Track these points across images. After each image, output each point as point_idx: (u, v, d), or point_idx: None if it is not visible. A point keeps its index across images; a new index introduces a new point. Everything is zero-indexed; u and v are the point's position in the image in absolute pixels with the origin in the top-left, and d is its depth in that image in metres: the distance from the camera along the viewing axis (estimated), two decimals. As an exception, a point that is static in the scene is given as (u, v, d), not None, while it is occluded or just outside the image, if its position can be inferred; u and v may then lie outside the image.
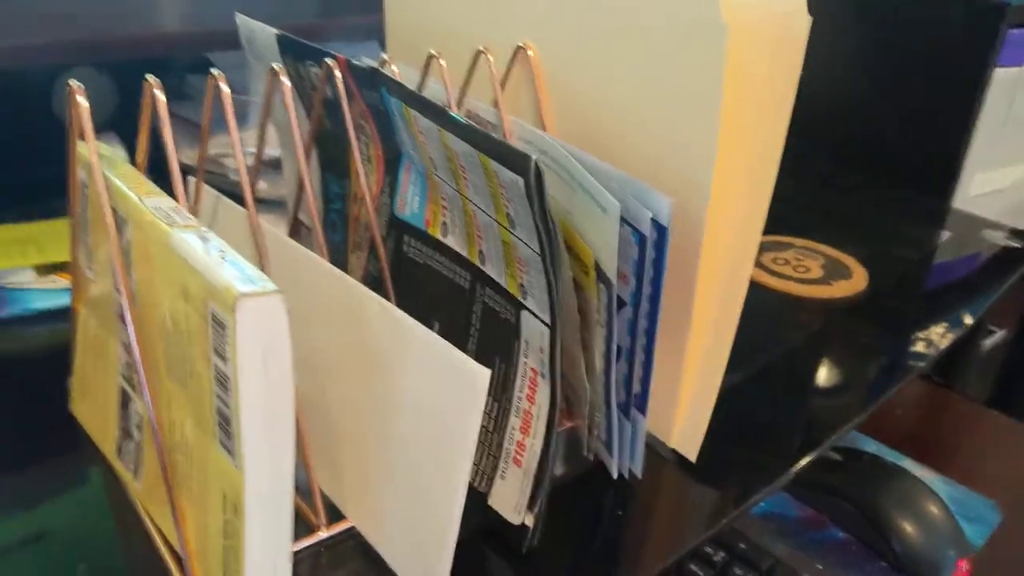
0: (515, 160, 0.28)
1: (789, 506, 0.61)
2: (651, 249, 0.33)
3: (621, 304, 0.35)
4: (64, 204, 0.59)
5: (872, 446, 0.66)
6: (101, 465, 0.38)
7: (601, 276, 0.34)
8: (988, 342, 0.97)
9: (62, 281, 0.51)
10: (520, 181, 0.28)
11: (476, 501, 0.36)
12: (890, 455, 0.64)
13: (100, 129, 0.34)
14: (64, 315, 0.49)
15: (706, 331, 0.38)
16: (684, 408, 0.40)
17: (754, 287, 0.58)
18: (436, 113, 0.31)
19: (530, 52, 0.40)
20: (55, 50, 0.50)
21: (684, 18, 0.32)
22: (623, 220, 0.32)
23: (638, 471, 0.38)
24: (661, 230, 0.33)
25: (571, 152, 0.34)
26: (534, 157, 0.27)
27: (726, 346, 0.38)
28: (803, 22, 0.31)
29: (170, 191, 0.33)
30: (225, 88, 0.33)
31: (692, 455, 0.40)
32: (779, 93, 0.33)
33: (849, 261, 0.60)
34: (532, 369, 0.34)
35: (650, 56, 0.34)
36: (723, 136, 0.32)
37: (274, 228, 0.36)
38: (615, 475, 0.39)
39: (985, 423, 0.71)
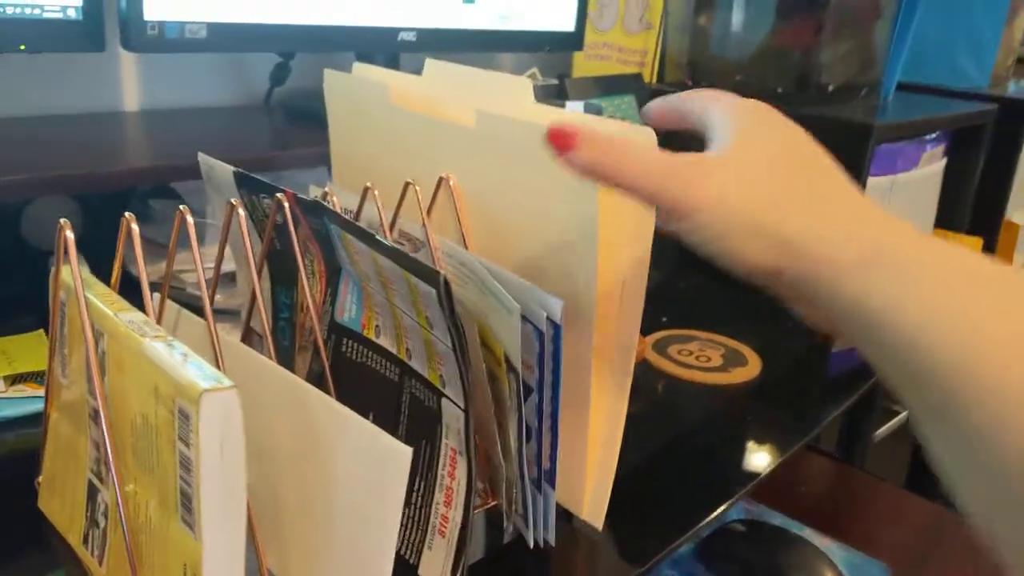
0: (429, 275, 0.35)
1: (700, 575, 0.66)
2: (549, 343, 0.40)
3: (528, 390, 0.41)
4: (27, 320, 0.64)
5: (778, 518, 0.72)
6: (64, 560, 0.42)
7: (510, 367, 0.41)
8: (893, 423, 1.05)
9: (29, 390, 0.56)
10: (433, 292, 0.35)
11: (408, 572, 0.41)
12: (793, 526, 0.70)
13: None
14: (30, 422, 0.54)
15: (602, 413, 0.44)
16: (589, 482, 0.46)
17: (662, 376, 0.65)
18: (368, 238, 0.38)
19: (451, 182, 0.48)
20: (32, 185, 0.56)
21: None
22: (524, 319, 0.39)
23: (551, 540, 0.44)
24: (556, 327, 0.39)
25: (483, 264, 0.41)
26: (443, 273, 0.34)
27: (619, 426, 0.44)
28: None
29: (138, 305, 0.39)
30: (190, 220, 0.40)
31: (599, 524, 0.45)
32: (643, 221, 0.41)
33: (746, 350, 0.68)
34: (452, 449, 0.39)
35: (540, 192, 0.42)
36: (601, 251, 0.40)
37: (228, 335, 0.42)
38: (531, 544, 0.44)
39: (880, 494, 0.78)
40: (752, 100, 0.35)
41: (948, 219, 1.04)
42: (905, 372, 0.28)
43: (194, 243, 0.40)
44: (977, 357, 0.26)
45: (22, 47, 0.61)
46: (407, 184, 0.47)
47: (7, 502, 0.46)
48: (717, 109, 0.35)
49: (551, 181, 0.41)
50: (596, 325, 0.42)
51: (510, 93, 0.44)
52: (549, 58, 1.06)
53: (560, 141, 0.32)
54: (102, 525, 0.40)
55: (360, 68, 0.53)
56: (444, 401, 0.39)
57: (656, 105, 0.38)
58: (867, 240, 0.29)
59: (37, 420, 0.52)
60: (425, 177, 0.48)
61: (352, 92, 0.53)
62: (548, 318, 0.39)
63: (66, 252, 0.38)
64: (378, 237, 0.38)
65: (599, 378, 0.43)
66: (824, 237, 0.30)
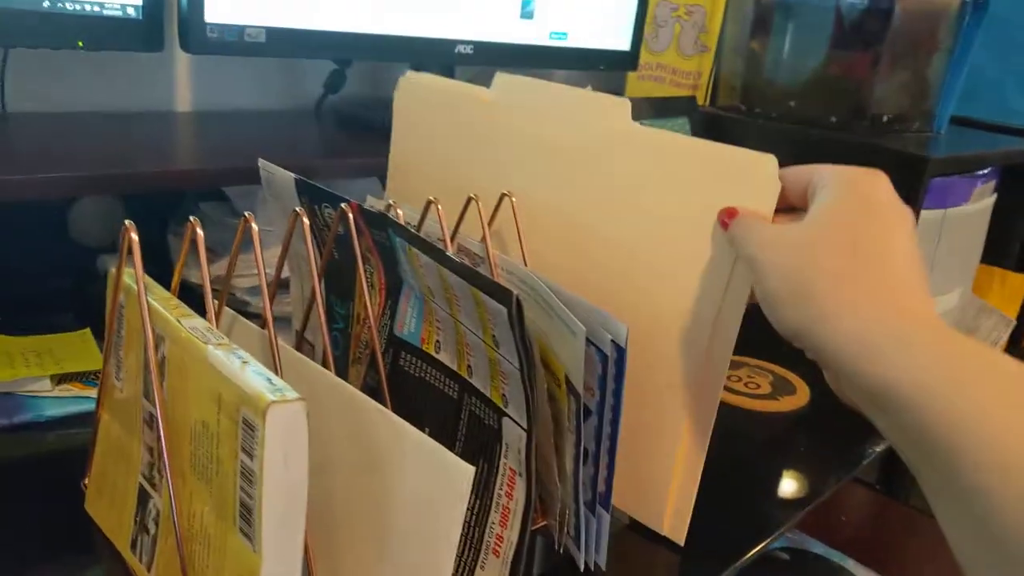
0: (500, 294, 0.34)
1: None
2: (612, 366, 0.39)
3: (588, 413, 0.41)
4: (66, 317, 0.64)
5: (819, 548, 0.70)
6: (105, 561, 0.42)
7: (571, 388, 0.40)
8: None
9: (76, 390, 0.56)
10: (504, 311, 0.34)
11: (458, 592, 0.40)
12: (835, 556, 0.69)
13: (113, 248, 0.40)
14: (76, 422, 0.53)
15: (686, 435, 0.44)
16: (672, 501, 0.45)
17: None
18: (436, 253, 0.38)
19: (513, 199, 0.47)
20: (82, 183, 0.56)
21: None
22: (588, 341, 0.38)
23: (603, 563, 0.43)
24: (620, 351, 0.39)
25: (546, 283, 0.40)
26: (515, 293, 0.33)
27: (703, 448, 0.43)
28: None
29: (198, 310, 0.38)
30: (255, 227, 0.40)
31: (680, 539, 0.46)
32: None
33: (794, 378, 0.67)
34: (511, 469, 0.39)
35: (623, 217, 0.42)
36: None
37: (285, 344, 0.42)
38: (582, 567, 0.43)
39: (920, 527, 0.76)
40: (857, 170, 0.37)
41: (996, 256, 1.02)
42: (910, 443, 0.31)
43: (258, 251, 0.40)
44: (976, 430, 0.28)
45: (80, 44, 0.62)
46: (469, 199, 0.47)
47: (50, 501, 0.46)
48: (820, 180, 0.37)
49: (688, 202, 0.42)
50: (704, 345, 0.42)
51: (610, 113, 0.44)
52: (603, 76, 1.05)
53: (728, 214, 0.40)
54: (152, 531, 0.40)
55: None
56: (505, 420, 0.38)
57: (785, 174, 0.40)
58: (886, 324, 0.32)
59: (83, 420, 0.52)
60: (488, 191, 0.47)
61: (439, 98, 0.52)
62: (613, 341, 0.38)
63: (130, 254, 0.38)
64: (448, 253, 0.37)
65: (676, 404, 0.43)
66: (841, 315, 0.33)
